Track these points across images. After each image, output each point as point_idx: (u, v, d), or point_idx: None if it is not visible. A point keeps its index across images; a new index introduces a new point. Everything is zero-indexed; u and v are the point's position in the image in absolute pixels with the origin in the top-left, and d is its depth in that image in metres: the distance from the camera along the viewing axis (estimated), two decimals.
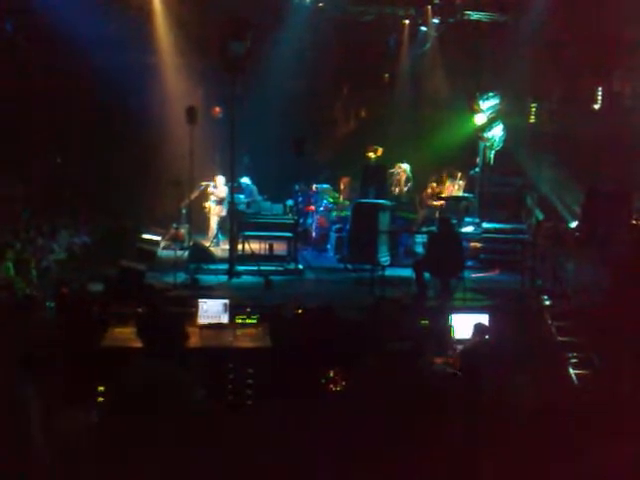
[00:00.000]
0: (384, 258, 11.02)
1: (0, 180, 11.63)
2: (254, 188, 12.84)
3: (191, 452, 3.94)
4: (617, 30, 12.93)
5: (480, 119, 13.56)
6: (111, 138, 13.26)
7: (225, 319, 7.62)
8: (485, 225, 12.10)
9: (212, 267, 10.20)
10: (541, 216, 12.86)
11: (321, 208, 13.28)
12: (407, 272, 9.31)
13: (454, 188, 13.81)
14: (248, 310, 7.82)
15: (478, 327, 6.79)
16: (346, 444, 5.39)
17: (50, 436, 3.23)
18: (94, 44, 11.61)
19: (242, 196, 12.39)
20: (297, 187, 12.61)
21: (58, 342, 6.27)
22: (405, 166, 13.27)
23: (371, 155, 13.42)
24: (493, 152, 13.71)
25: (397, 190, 13.13)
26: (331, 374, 6.60)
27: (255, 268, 10.17)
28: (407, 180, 13.26)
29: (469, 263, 10.73)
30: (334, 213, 13.20)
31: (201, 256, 10.46)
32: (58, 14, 11.35)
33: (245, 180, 12.92)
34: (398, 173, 13.25)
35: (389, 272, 9.48)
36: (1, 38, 12.30)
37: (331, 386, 6.55)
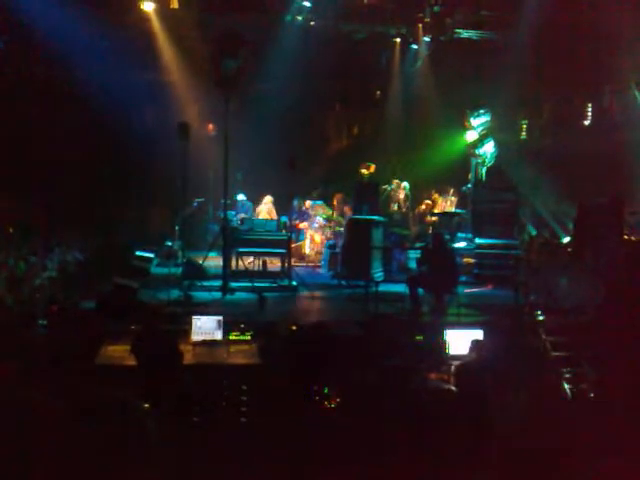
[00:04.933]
0: (378, 274, 11.03)
1: None
2: (250, 205, 12.87)
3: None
4: (606, 46, 13.09)
5: (471, 136, 13.69)
6: (105, 155, 13.26)
7: (219, 336, 7.59)
8: (478, 241, 12.15)
9: (206, 284, 10.17)
10: (534, 231, 12.93)
11: (315, 224, 13.30)
12: (401, 288, 9.32)
13: (446, 204, 13.91)
14: (242, 327, 7.79)
15: (476, 344, 6.78)
16: (341, 461, 5.36)
17: None
18: (90, 61, 11.66)
19: (233, 212, 12.42)
20: (295, 202, 12.71)
21: (50, 360, 6.23)
22: (405, 184, 13.39)
23: (364, 172, 13.50)
24: (485, 168, 13.82)
25: (396, 207, 13.22)
26: (325, 391, 6.56)
27: (249, 285, 10.16)
28: (406, 198, 13.37)
29: (462, 278, 10.75)
30: (328, 229, 13.23)
31: (194, 273, 10.44)
32: (52, 31, 11.40)
33: (241, 197, 12.95)
34: (396, 190, 13.35)
35: (383, 288, 9.48)
36: None
37: (325, 403, 6.51)
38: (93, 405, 2.42)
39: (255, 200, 13.50)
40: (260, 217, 12.87)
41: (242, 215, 12.73)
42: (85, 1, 11.49)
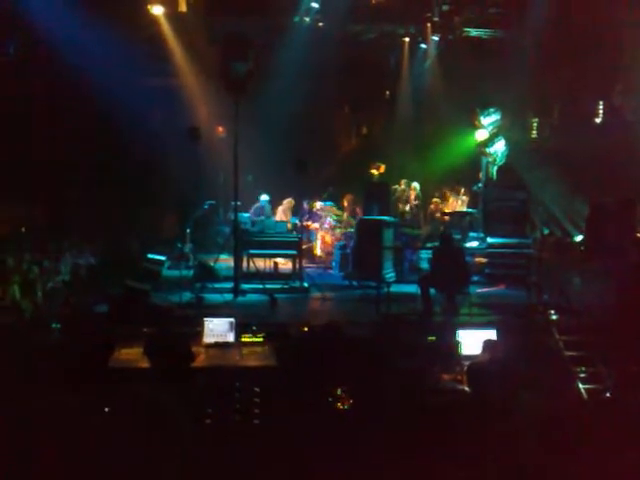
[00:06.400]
0: (389, 274, 11.01)
1: (5, 202, 11.67)
2: (269, 207, 12.99)
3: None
4: (617, 44, 13.01)
5: (482, 135, 13.63)
6: (116, 158, 13.32)
7: (231, 338, 7.60)
8: (490, 240, 12.08)
9: (217, 286, 10.19)
10: (546, 230, 12.86)
11: (325, 225, 13.31)
12: (412, 288, 9.28)
13: (457, 203, 13.87)
14: (254, 329, 7.80)
15: (488, 344, 6.74)
16: (354, 462, 5.35)
17: None
18: (99, 65, 11.71)
19: (246, 214, 12.44)
20: (305, 203, 12.77)
21: (64, 363, 6.25)
22: (415, 185, 13.38)
23: (374, 172, 13.50)
24: (496, 167, 13.77)
25: (407, 207, 13.20)
26: (338, 392, 6.56)
27: (260, 286, 10.17)
28: (416, 198, 13.35)
29: (474, 278, 10.71)
30: (338, 230, 13.22)
31: (206, 275, 10.45)
32: (60, 35, 11.47)
33: (264, 197, 13.02)
34: (406, 190, 13.34)
35: (394, 288, 9.46)
36: (4, 60, 12.39)
37: (339, 404, 6.50)
38: (128, 405, 2.44)
39: (274, 202, 13.54)
40: (276, 217, 12.90)
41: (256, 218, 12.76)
42: (95, 6, 11.53)
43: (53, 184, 12.66)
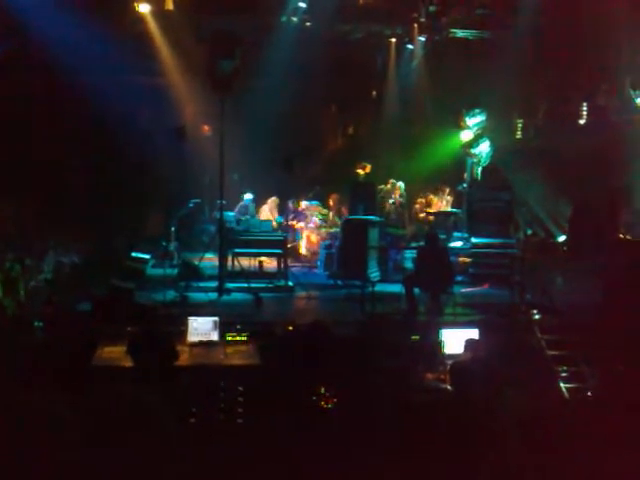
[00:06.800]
0: (374, 274, 11.04)
1: None
2: (253, 206, 12.96)
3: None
4: (602, 45, 13.12)
5: (466, 135, 13.70)
6: (101, 157, 13.23)
7: (215, 337, 7.59)
8: (474, 240, 12.14)
9: (202, 284, 10.16)
10: (529, 230, 12.96)
11: (311, 224, 13.31)
12: (397, 288, 9.32)
13: (442, 203, 13.93)
14: (238, 327, 7.80)
15: (470, 343, 6.79)
16: (339, 461, 5.35)
17: None
18: (85, 62, 11.62)
19: (231, 213, 12.41)
20: (290, 202, 12.76)
21: (47, 361, 6.23)
22: (400, 184, 13.41)
23: (360, 172, 13.51)
24: (480, 168, 13.84)
25: (392, 207, 13.23)
26: (322, 391, 6.57)
27: (245, 285, 10.15)
28: (401, 197, 13.39)
29: (458, 278, 10.77)
30: (323, 229, 13.23)
31: (190, 274, 10.43)
32: (46, 32, 11.37)
33: (248, 196, 12.98)
34: (391, 190, 13.36)
35: (379, 288, 9.49)
36: None
37: (322, 403, 6.51)
38: (111, 404, 2.43)
39: (259, 201, 13.52)
40: (261, 216, 12.86)
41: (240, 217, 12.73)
42: (81, 3, 11.44)
43: (38, 184, 12.54)
